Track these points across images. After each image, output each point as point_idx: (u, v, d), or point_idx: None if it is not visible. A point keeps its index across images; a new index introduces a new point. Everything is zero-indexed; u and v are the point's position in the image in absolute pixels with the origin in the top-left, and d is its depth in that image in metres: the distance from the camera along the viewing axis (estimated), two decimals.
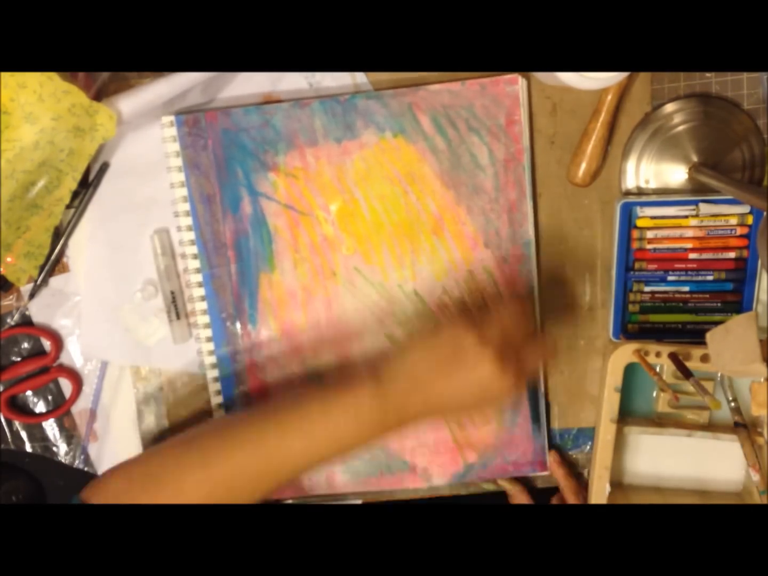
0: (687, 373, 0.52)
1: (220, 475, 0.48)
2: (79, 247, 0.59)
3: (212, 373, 0.60)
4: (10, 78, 0.47)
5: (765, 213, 0.43)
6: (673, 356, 0.54)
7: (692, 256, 0.57)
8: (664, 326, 0.59)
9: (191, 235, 0.58)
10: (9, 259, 0.54)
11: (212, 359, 0.59)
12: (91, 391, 0.61)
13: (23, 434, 0.62)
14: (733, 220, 0.56)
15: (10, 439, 0.62)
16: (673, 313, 0.58)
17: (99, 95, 0.54)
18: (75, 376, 0.61)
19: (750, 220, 0.56)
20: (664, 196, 0.57)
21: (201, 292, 0.59)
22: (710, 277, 0.58)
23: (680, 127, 0.56)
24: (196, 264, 0.58)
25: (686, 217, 0.57)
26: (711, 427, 0.59)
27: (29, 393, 0.62)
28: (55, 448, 0.62)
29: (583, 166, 0.57)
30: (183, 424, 0.61)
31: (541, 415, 0.60)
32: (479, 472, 0.61)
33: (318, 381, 0.59)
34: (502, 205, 0.57)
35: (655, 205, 0.57)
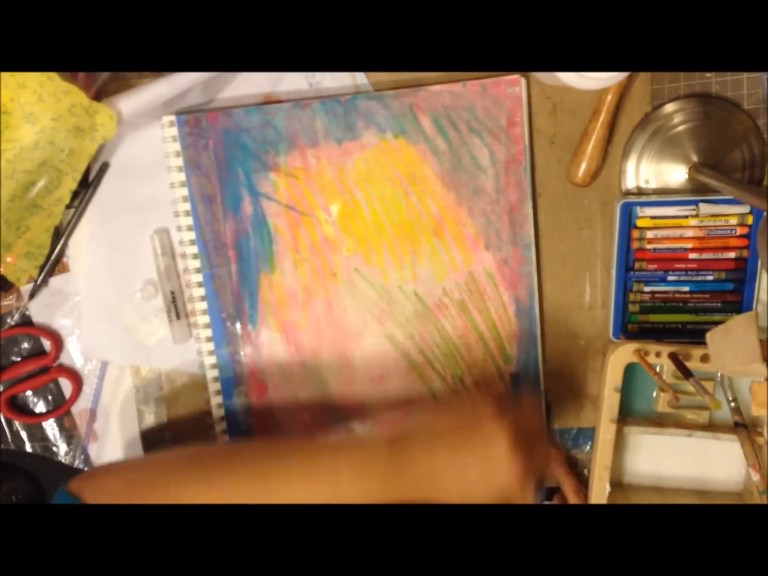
0: (687, 373, 0.52)
1: (218, 496, 0.48)
2: (79, 247, 0.59)
3: (212, 373, 0.60)
4: (10, 78, 0.47)
5: (765, 213, 0.43)
6: (673, 356, 0.54)
7: (692, 256, 0.57)
8: (664, 326, 0.59)
9: (191, 235, 0.58)
10: (9, 259, 0.54)
11: (212, 359, 0.59)
12: (91, 391, 0.61)
13: (23, 434, 0.62)
14: (733, 220, 0.56)
15: (10, 439, 0.62)
16: (673, 313, 0.58)
17: (99, 95, 0.54)
18: (75, 376, 0.61)
19: (750, 220, 0.56)
20: (664, 196, 0.57)
21: (201, 292, 0.59)
22: (710, 277, 0.58)
23: (680, 127, 0.56)
24: (196, 264, 0.58)
25: (686, 217, 0.57)
26: (711, 427, 0.59)
27: (29, 393, 0.62)
28: (55, 448, 0.62)
29: (583, 166, 0.57)
30: (183, 423, 0.61)
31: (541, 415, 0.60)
32: None
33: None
34: (502, 206, 0.57)
35: (655, 205, 0.57)
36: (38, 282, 0.59)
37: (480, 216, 0.57)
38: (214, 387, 0.60)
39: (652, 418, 0.60)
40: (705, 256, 0.57)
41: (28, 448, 0.63)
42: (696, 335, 0.55)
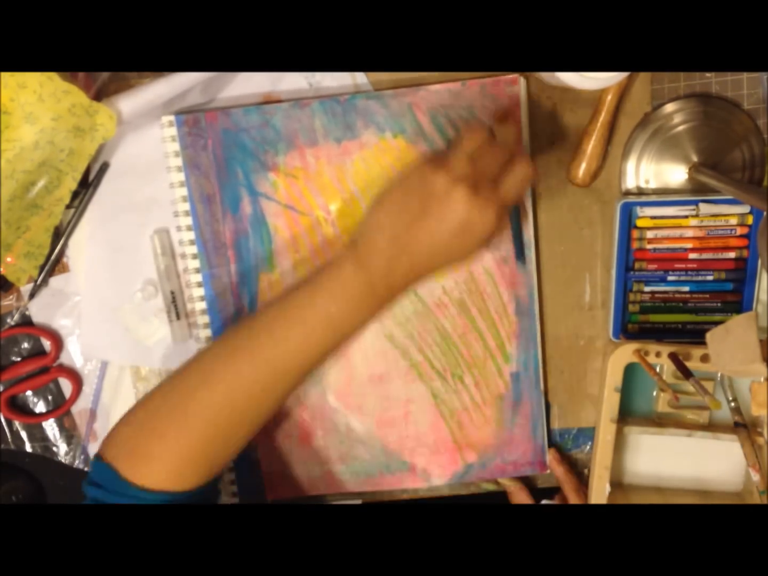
0: (687, 373, 0.52)
1: (222, 393, 0.47)
2: (79, 247, 0.59)
3: None
4: (10, 78, 0.47)
5: (765, 213, 0.43)
6: (673, 356, 0.54)
7: (692, 256, 0.57)
8: (664, 326, 0.59)
9: (191, 235, 0.58)
10: (9, 259, 0.54)
11: None
12: (91, 391, 0.61)
13: (23, 434, 0.62)
14: (733, 220, 0.56)
15: (10, 439, 0.62)
16: (673, 313, 0.58)
17: (99, 95, 0.54)
18: (75, 376, 0.61)
19: (750, 220, 0.56)
20: (664, 196, 0.57)
21: (201, 292, 0.59)
22: (710, 277, 0.58)
23: (680, 127, 0.56)
24: (196, 264, 0.58)
25: (686, 217, 0.57)
26: (711, 427, 0.59)
27: (29, 393, 0.62)
28: (55, 448, 0.62)
29: (583, 166, 0.57)
30: None
31: (541, 415, 0.60)
32: (479, 472, 0.61)
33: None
34: None
35: (655, 205, 0.57)
36: (38, 282, 0.59)
37: None
38: None
39: (652, 418, 0.60)
40: (705, 256, 0.57)
41: (28, 448, 0.63)
42: (696, 335, 0.55)
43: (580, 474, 0.62)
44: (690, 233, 0.57)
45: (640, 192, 0.58)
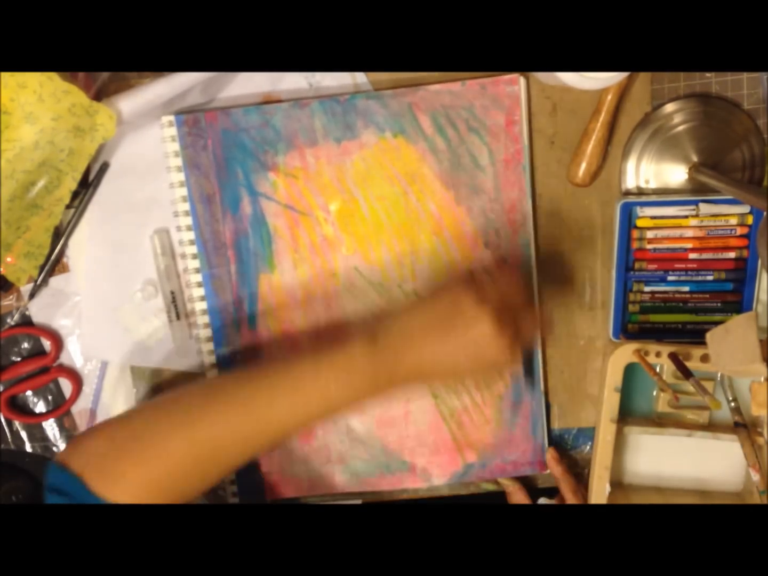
0: (687, 373, 0.52)
1: (206, 436, 0.47)
2: (79, 247, 0.59)
3: (212, 373, 0.60)
4: (10, 78, 0.47)
5: (765, 213, 0.43)
6: (673, 356, 0.54)
7: (692, 256, 0.57)
8: (664, 326, 0.59)
9: (191, 235, 0.58)
10: (9, 259, 0.54)
11: (212, 359, 0.59)
12: (91, 391, 0.61)
13: (23, 434, 0.62)
14: (733, 220, 0.56)
15: (10, 439, 0.62)
16: (673, 313, 0.58)
17: (99, 95, 0.54)
18: (75, 376, 0.61)
19: (750, 220, 0.56)
20: (664, 196, 0.57)
21: (201, 292, 0.59)
22: (710, 277, 0.58)
23: (680, 127, 0.56)
24: (195, 264, 0.58)
25: (686, 217, 0.57)
26: (711, 427, 0.59)
27: (29, 393, 0.62)
28: (55, 448, 0.62)
29: (583, 166, 0.57)
30: None
31: (541, 415, 0.60)
32: (478, 472, 0.61)
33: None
34: (502, 205, 0.57)
35: (655, 205, 0.57)
36: (38, 282, 0.59)
37: (479, 215, 0.57)
38: None
39: (652, 418, 0.60)
40: (705, 256, 0.57)
41: (28, 448, 0.63)
42: (696, 335, 0.55)
43: (578, 474, 0.62)
44: (690, 233, 0.57)
45: (640, 192, 0.58)
